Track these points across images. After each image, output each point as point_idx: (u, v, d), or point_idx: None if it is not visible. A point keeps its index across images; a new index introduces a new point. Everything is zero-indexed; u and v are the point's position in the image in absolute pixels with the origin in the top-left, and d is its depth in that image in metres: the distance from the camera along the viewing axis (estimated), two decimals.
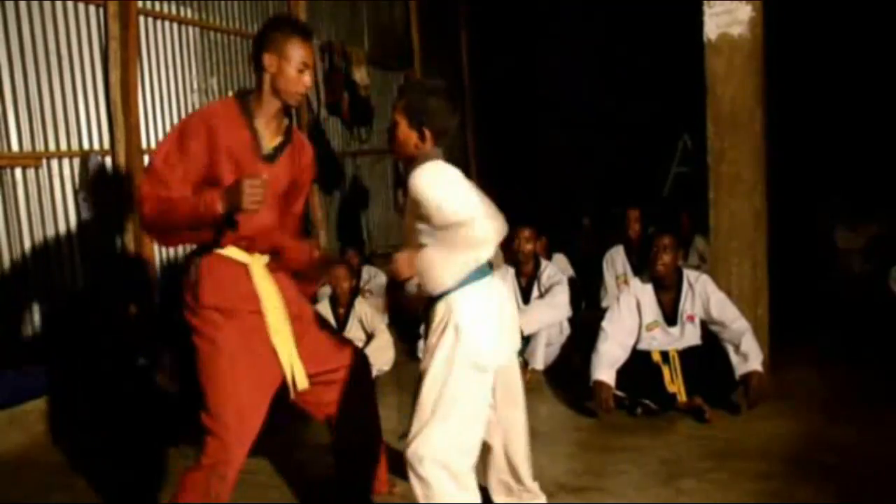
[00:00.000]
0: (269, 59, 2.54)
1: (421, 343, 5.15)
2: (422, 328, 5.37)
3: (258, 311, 2.61)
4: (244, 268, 2.62)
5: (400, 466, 3.41)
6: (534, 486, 2.87)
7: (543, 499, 2.89)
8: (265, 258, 2.69)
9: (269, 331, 2.62)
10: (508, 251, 5.05)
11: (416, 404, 2.46)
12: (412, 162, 2.50)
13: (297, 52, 2.55)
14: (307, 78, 2.58)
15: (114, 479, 3.54)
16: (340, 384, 2.88)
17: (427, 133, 2.50)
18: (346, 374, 2.88)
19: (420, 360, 5.45)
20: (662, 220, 5.18)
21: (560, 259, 5.44)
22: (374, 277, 6.06)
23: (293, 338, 2.69)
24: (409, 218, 2.51)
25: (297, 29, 2.60)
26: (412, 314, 4.61)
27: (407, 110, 2.50)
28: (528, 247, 4.89)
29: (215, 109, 2.62)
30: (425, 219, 2.41)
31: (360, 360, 2.98)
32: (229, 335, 2.54)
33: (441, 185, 2.39)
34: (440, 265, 2.39)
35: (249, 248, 2.64)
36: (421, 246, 2.46)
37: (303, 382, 2.70)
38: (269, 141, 2.65)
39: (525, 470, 2.82)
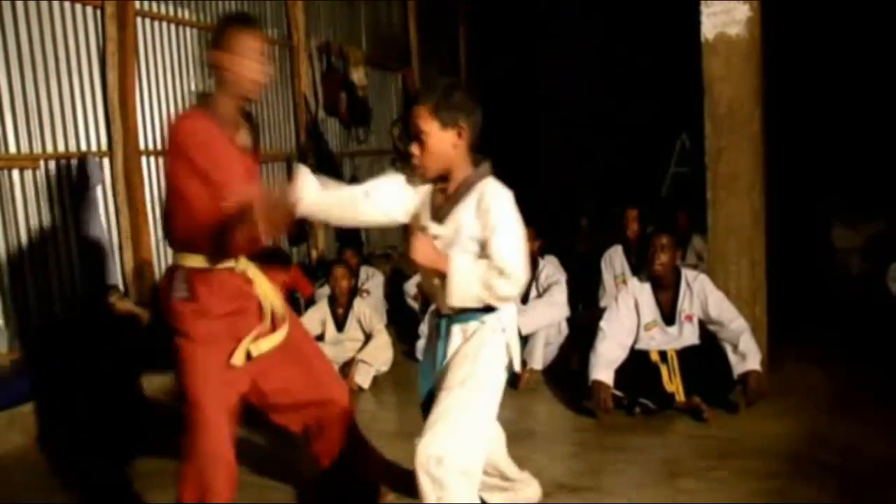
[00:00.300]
0: (225, 58, 2.54)
1: (420, 343, 5.18)
2: (422, 328, 5.38)
3: (243, 309, 2.61)
4: (241, 276, 2.61)
5: (396, 469, 3.41)
6: (522, 474, 2.87)
7: (535, 483, 2.91)
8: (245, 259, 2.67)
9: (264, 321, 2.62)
10: None
11: (448, 405, 2.35)
12: (447, 176, 2.40)
13: (250, 44, 2.54)
14: (264, 67, 2.58)
15: (113, 480, 3.54)
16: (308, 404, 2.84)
17: (464, 128, 2.34)
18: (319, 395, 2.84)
19: (419, 360, 5.46)
20: (660, 220, 5.18)
21: (551, 260, 5.43)
22: (371, 277, 6.06)
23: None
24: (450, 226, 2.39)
25: (246, 21, 2.62)
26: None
27: (436, 111, 2.32)
28: (527, 247, 4.88)
29: (205, 122, 2.56)
30: (474, 238, 2.35)
31: (331, 370, 2.98)
32: (204, 329, 2.54)
33: (514, 228, 2.34)
34: (468, 282, 2.30)
35: (239, 253, 2.61)
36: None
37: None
38: (242, 139, 2.68)
39: (508, 467, 2.82)
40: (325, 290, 5.31)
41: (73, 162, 4.62)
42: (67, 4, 4.61)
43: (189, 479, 2.53)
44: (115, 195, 4.88)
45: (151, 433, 4.02)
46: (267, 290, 2.66)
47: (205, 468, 2.51)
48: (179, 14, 5.49)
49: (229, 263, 2.59)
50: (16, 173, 4.30)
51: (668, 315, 4.14)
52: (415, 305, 5.93)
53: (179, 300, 2.55)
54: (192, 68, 5.63)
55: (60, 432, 4.10)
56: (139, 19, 5.07)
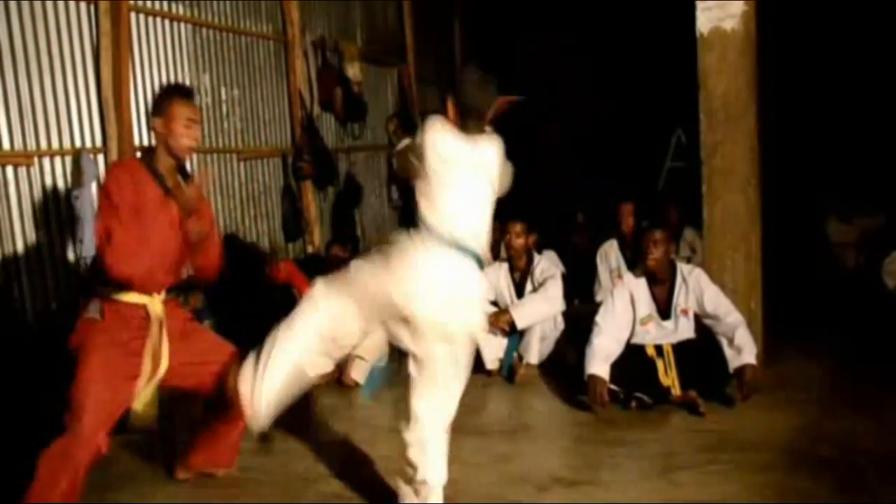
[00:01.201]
0: (158, 123, 2.91)
1: None
2: None
3: (142, 337, 2.89)
4: (143, 309, 2.91)
5: (387, 462, 3.41)
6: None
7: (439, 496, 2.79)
8: (162, 296, 2.99)
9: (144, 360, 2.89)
10: (502, 246, 5.06)
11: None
12: None
13: (181, 111, 2.89)
14: (194, 131, 2.91)
15: (105, 480, 3.53)
16: (213, 374, 3.08)
17: (450, 104, 2.68)
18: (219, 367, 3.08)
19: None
20: (654, 215, 5.19)
21: (550, 256, 5.44)
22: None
23: (167, 360, 2.95)
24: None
25: (180, 91, 2.99)
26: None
27: (444, 85, 2.69)
28: (520, 241, 4.88)
29: (131, 170, 2.93)
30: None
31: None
32: (102, 341, 2.83)
33: None
34: None
35: (147, 289, 2.90)
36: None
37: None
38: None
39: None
40: None
41: (68, 158, 4.60)
42: (61, 1, 4.59)
43: (45, 467, 2.69)
44: None
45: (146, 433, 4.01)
46: (158, 334, 2.92)
47: (60, 469, 2.69)
48: (174, 10, 5.47)
49: (141, 299, 2.89)
50: (10, 170, 4.28)
51: (664, 309, 4.14)
52: None
53: (89, 319, 2.87)
54: (187, 64, 5.61)
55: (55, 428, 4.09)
56: (133, 15, 5.05)
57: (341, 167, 7.36)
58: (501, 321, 4.68)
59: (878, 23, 7.20)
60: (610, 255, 5.62)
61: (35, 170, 4.42)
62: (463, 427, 3.88)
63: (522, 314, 4.69)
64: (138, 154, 4.56)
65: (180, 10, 5.54)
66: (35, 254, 4.41)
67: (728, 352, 3.93)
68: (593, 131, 9.09)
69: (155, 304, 2.95)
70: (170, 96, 2.94)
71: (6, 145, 4.26)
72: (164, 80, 5.36)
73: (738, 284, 4.22)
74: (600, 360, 3.96)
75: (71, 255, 4.62)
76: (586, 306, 5.25)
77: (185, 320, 3.15)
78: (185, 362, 3.01)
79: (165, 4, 5.40)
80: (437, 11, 9.30)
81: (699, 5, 4.16)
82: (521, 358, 4.70)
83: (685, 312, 4.11)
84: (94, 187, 4.67)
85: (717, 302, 4.02)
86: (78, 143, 4.68)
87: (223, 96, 6.01)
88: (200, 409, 3.25)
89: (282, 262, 5.99)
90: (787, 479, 3.08)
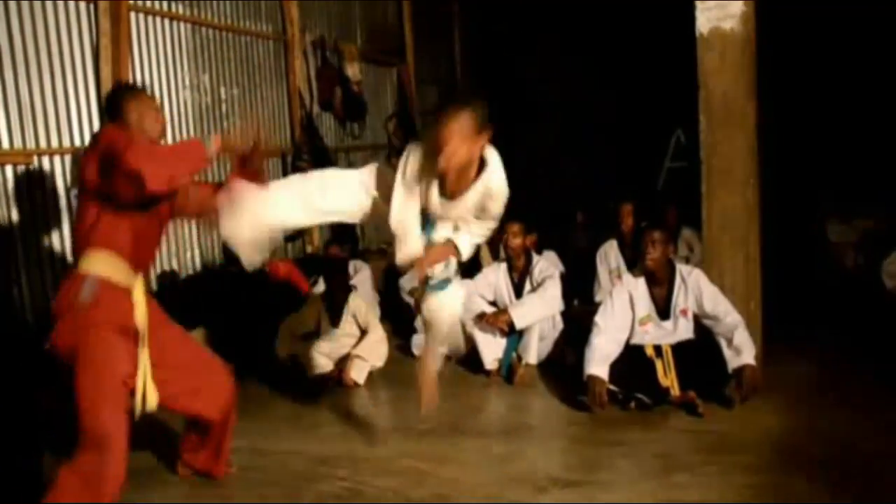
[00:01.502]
0: (133, 119, 2.95)
1: (415, 338, 5.19)
2: (419, 322, 5.37)
3: (131, 327, 2.89)
4: (127, 291, 2.91)
5: (386, 462, 3.43)
6: None
7: None
8: (140, 280, 2.99)
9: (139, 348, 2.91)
10: (500, 246, 5.06)
11: None
12: None
13: (149, 103, 3.02)
14: (162, 120, 3.06)
15: None
16: (188, 396, 3.11)
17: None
18: (203, 382, 3.14)
19: (415, 356, 5.50)
20: (653, 215, 5.19)
21: (550, 256, 5.45)
22: (358, 271, 6.04)
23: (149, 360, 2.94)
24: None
25: (138, 88, 3.15)
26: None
27: None
28: (517, 241, 4.88)
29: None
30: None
31: (218, 368, 3.24)
32: (107, 345, 2.82)
33: None
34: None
35: (135, 268, 2.94)
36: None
37: (153, 402, 2.95)
38: None
39: None
40: (320, 287, 5.30)
41: (67, 158, 4.60)
42: (61, 1, 4.59)
43: (69, 484, 2.66)
44: None
45: (145, 430, 4.01)
46: (143, 316, 2.93)
47: (89, 491, 2.65)
48: (174, 9, 5.48)
49: (129, 280, 2.91)
50: (9, 169, 4.28)
51: (663, 310, 4.14)
52: (411, 300, 5.93)
53: (80, 307, 2.82)
54: (187, 63, 5.62)
55: (54, 427, 4.10)
56: (133, 14, 5.05)
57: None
58: (500, 321, 4.69)
59: (877, 23, 7.20)
60: (609, 255, 5.62)
61: (34, 168, 4.42)
62: (462, 427, 3.91)
63: (521, 314, 4.69)
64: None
65: (180, 9, 5.55)
66: (35, 253, 4.41)
67: (727, 352, 3.92)
68: (593, 131, 9.09)
69: (137, 288, 2.95)
70: (134, 93, 3.04)
71: (6, 145, 4.27)
72: (163, 79, 5.37)
73: (737, 285, 4.22)
74: (599, 360, 3.96)
75: (71, 255, 4.63)
76: (585, 306, 5.26)
77: (160, 319, 3.12)
78: (157, 363, 2.98)
79: (165, 4, 5.40)
80: (437, 11, 9.31)
81: (699, 5, 4.15)
82: (519, 358, 4.70)
83: (684, 313, 4.11)
84: None
85: (716, 302, 4.02)
86: (78, 143, 4.68)
87: (223, 96, 6.02)
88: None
89: (281, 261, 6.00)
90: (785, 480, 3.08)
